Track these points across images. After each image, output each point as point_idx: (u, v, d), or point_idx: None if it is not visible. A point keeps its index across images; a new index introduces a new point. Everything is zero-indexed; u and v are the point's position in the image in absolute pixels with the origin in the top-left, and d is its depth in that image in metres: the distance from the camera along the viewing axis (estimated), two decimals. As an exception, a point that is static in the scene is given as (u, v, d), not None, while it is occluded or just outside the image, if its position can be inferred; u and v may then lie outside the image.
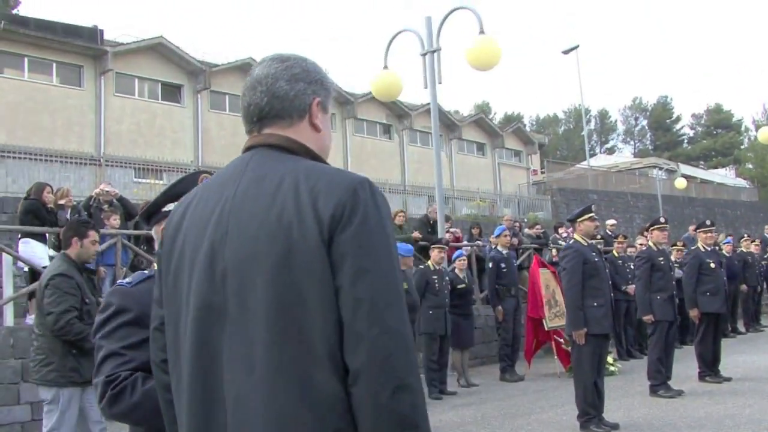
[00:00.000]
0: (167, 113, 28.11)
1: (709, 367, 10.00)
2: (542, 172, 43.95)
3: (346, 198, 1.65)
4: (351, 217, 1.63)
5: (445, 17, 12.09)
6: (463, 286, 10.75)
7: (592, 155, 56.09)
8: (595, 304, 7.35)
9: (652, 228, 9.62)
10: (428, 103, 34.47)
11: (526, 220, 23.91)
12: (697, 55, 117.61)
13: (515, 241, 14.10)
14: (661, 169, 48.12)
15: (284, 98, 1.87)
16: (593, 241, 7.95)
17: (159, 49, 27.66)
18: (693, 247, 10.87)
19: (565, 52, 31.51)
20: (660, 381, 9.06)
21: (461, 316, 10.60)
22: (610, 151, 77.08)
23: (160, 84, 28.14)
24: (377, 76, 12.66)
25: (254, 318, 1.64)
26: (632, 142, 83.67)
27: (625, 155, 70.14)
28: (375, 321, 1.57)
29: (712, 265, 9.98)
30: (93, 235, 5.54)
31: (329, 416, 1.58)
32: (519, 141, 43.25)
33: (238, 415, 1.64)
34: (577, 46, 31.56)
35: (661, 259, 9.36)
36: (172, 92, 28.63)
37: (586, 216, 7.64)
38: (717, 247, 11.39)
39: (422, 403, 1.60)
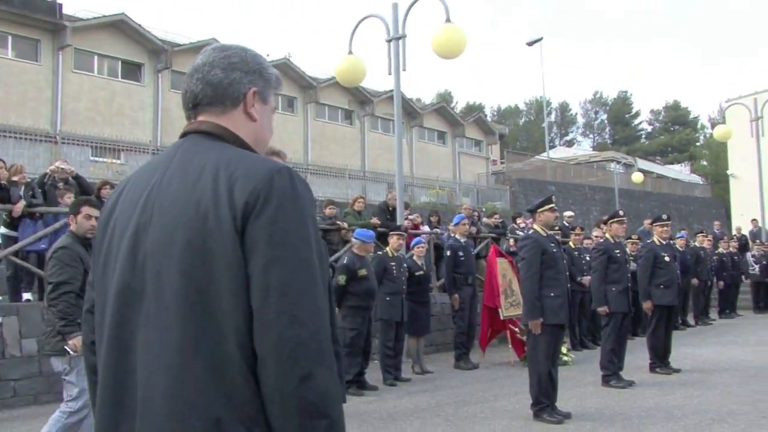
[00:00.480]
0: (127, 92, 27.73)
1: (660, 359, 10.16)
2: (502, 163, 44.26)
3: (261, 186, 1.66)
4: (265, 205, 1.64)
5: (412, 4, 12.08)
6: (421, 273, 10.77)
7: (551, 147, 56.61)
8: (552, 294, 7.41)
9: (611, 221, 9.73)
10: (391, 90, 34.50)
11: (484, 209, 24.05)
12: (657, 53, 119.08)
13: (474, 230, 14.18)
14: (618, 162, 48.78)
15: (218, 86, 1.89)
16: (552, 232, 8.01)
17: (120, 26, 27.23)
18: (648, 241, 11.02)
19: (530, 44, 31.65)
20: (612, 371, 9.19)
21: (418, 303, 10.63)
22: (570, 143, 77.91)
23: (120, 62, 27.75)
24: (342, 61, 12.63)
25: (168, 303, 1.65)
26: (591, 136, 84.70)
27: (584, 148, 70.97)
28: (284, 309, 1.58)
29: (667, 259, 10.13)
30: (85, 210, 5.68)
31: (239, 402, 1.59)
32: (480, 131, 43.48)
33: (147, 399, 1.64)
34: (541, 39, 31.75)
35: (618, 251, 9.49)
36: (132, 71, 28.24)
37: (547, 207, 7.69)
38: (672, 241, 11.56)
39: (333, 393, 1.60)
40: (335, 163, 29.16)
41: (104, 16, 27.28)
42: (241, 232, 1.63)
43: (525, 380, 7.72)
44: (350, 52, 12.66)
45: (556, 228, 13.64)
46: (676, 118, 78.82)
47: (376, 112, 36.25)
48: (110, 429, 1.73)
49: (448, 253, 11.70)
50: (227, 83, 1.90)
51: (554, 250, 7.59)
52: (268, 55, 24.28)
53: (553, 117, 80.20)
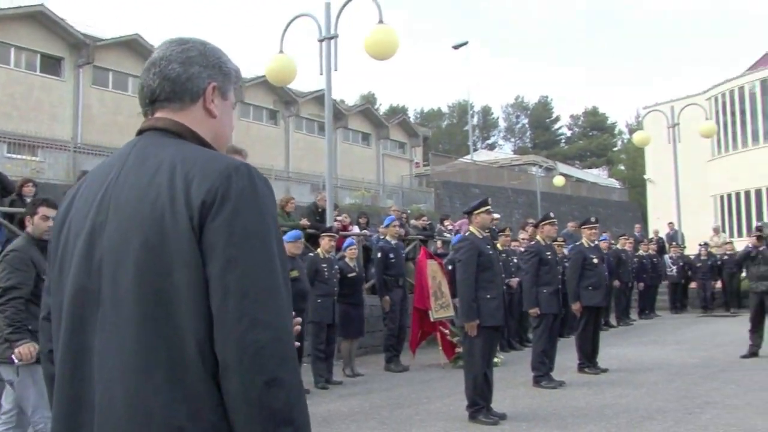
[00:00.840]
0: (46, 86, 26.76)
1: (589, 359, 10.34)
2: (425, 165, 44.52)
3: (218, 184, 1.59)
4: (222, 204, 1.58)
5: (345, 3, 12.01)
6: (354, 274, 10.71)
7: (474, 150, 57.26)
8: (488, 296, 7.44)
9: (543, 223, 9.85)
10: (316, 91, 34.41)
11: (409, 211, 24.14)
12: (577, 59, 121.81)
13: (402, 231, 14.19)
14: (540, 166, 49.64)
15: (176, 81, 1.82)
16: (486, 234, 8.06)
17: (39, 18, 26.24)
18: (577, 243, 11.22)
19: (456, 47, 31.89)
20: (543, 372, 9.30)
21: (351, 305, 10.57)
22: (491, 147, 79.01)
23: (39, 55, 26.72)
24: (272, 60, 12.48)
25: (124, 306, 1.58)
26: (513, 139, 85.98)
27: (505, 152, 72.09)
28: (245, 313, 1.52)
29: (595, 261, 10.33)
30: (42, 210, 5.43)
31: (202, 409, 1.53)
32: (403, 133, 43.64)
33: (105, 409, 1.56)
34: (467, 42, 32.03)
35: (549, 253, 9.61)
36: (51, 64, 27.25)
37: (483, 209, 7.74)
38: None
39: (298, 397, 1.55)
40: (259, 163, 28.63)
41: (22, 6, 26.22)
42: (198, 232, 1.56)
43: (457, 382, 7.75)
44: (281, 51, 12.52)
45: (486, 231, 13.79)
46: (594, 123, 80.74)
47: (302, 113, 36.03)
48: None
49: (379, 254, 11.68)
50: (185, 78, 1.82)
51: (490, 252, 7.64)
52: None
53: (475, 120, 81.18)
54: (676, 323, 17.42)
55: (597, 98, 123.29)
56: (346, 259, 10.76)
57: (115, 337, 1.57)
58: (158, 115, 1.82)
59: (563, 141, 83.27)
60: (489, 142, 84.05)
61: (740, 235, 26.63)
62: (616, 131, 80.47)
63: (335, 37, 12.09)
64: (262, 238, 1.60)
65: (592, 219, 10.91)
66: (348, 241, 11.25)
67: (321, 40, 12.20)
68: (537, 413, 7.75)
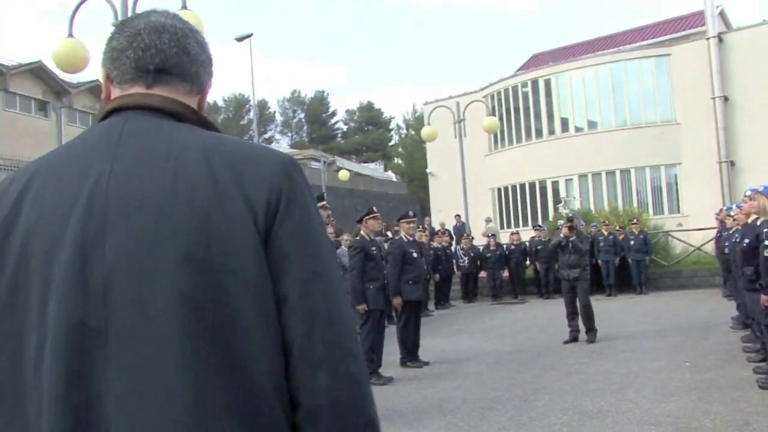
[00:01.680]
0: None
1: (410, 353, 10.40)
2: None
3: (280, 182, 1.28)
4: (290, 207, 1.27)
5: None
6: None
7: (253, 145, 56.62)
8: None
9: (366, 218, 9.76)
10: (90, 81, 32.35)
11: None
12: (353, 54, 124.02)
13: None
14: (324, 161, 50.03)
15: (194, 60, 1.45)
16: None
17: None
18: (396, 237, 11.25)
19: (239, 40, 31.24)
20: (372, 369, 9.21)
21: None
22: (269, 141, 78.61)
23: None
24: (60, 45, 11.42)
25: (161, 344, 1.19)
26: (289, 134, 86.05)
27: (282, 146, 71.98)
28: (335, 341, 1.24)
29: (415, 255, 10.38)
30: None
31: None
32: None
33: None
34: (251, 35, 31.48)
35: (374, 248, 9.54)
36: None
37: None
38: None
39: None
40: (29, 157, 26.63)
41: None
42: (264, 239, 1.22)
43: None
44: (70, 35, 11.51)
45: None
46: (370, 118, 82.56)
47: (75, 105, 33.76)
48: None
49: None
50: (200, 62, 1.46)
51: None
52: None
53: (252, 114, 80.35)
54: (473, 312, 18.10)
55: (372, 94, 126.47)
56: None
57: (148, 386, 1.17)
58: (156, 90, 1.39)
59: (340, 136, 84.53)
60: (266, 136, 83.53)
61: (517, 225, 28.24)
62: (392, 126, 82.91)
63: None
64: (329, 249, 1.31)
65: (410, 213, 10.98)
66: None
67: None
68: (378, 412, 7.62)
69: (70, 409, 1.19)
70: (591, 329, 11.38)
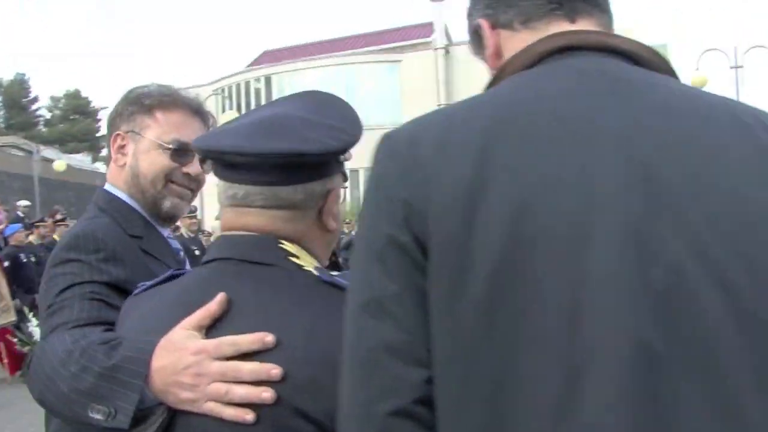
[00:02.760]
0: None
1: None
2: None
3: None
4: None
5: None
6: None
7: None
8: None
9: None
10: None
11: None
12: (57, 37, 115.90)
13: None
14: (20, 149, 46.45)
15: None
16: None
17: None
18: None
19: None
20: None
21: None
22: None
23: None
24: None
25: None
26: (-17, 119, 78.98)
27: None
28: None
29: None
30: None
31: None
32: None
33: None
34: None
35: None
36: None
37: None
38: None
39: None
40: None
41: None
42: None
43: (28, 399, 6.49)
44: None
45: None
46: (76, 106, 78.14)
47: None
48: None
49: None
50: None
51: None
52: None
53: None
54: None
55: (79, 80, 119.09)
56: None
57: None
58: (585, 25, 1.07)
59: (42, 123, 78.99)
60: (-47, 121, 75.80)
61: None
62: (100, 116, 79.04)
63: None
64: None
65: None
66: None
67: None
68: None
69: None
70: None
